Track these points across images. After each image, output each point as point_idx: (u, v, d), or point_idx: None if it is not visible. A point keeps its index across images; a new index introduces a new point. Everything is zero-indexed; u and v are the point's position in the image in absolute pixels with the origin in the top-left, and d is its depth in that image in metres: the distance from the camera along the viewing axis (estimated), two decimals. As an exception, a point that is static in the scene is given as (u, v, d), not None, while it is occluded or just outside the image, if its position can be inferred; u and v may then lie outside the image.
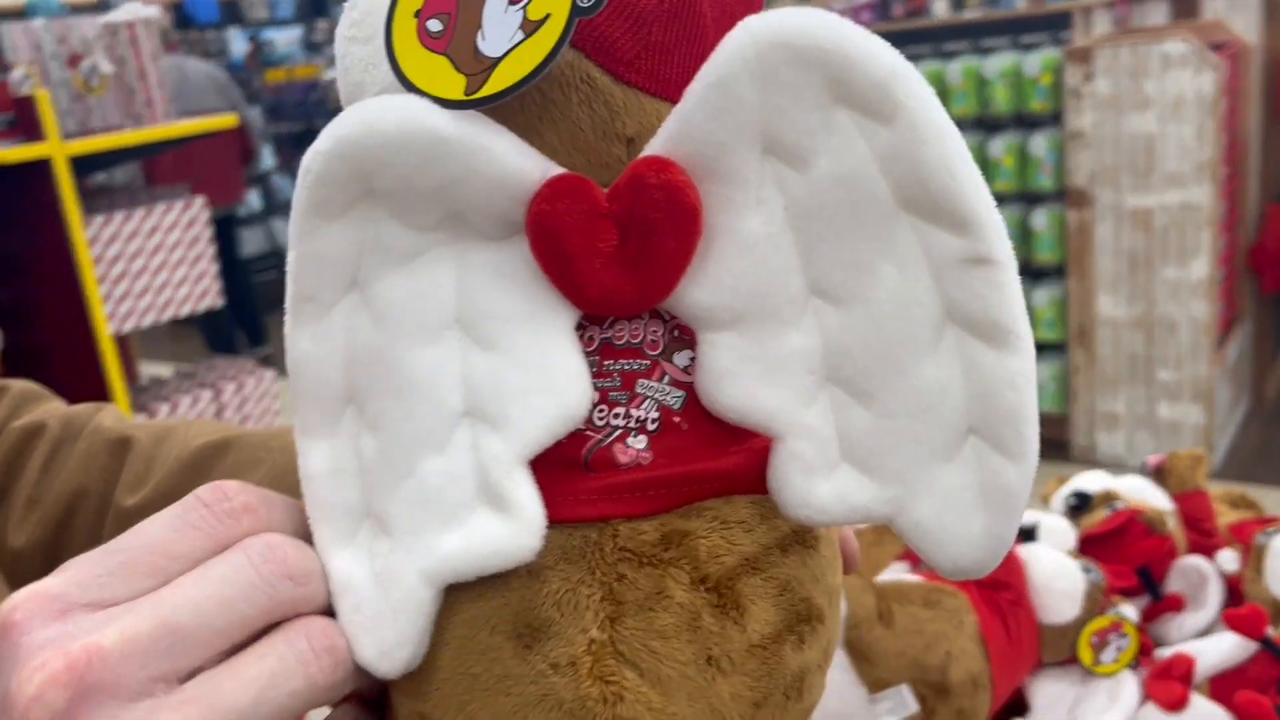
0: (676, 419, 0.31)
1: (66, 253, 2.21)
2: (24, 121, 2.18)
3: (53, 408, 0.55)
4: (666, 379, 0.31)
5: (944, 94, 3.17)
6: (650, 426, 0.31)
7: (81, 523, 0.51)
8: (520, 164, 0.29)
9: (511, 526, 0.30)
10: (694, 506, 0.31)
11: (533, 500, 0.30)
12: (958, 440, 0.29)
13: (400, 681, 0.32)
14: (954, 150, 0.27)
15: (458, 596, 0.31)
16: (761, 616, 0.31)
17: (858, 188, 0.28)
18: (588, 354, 0.31)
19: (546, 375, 0.30)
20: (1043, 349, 3.35)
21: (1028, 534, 0.98)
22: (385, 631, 0.31)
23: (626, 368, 0.31)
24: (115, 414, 0.55)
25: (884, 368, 0.29)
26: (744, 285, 0.30)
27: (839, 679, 0.90)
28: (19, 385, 0.56)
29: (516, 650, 0.30)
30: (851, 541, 0.40)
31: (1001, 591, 0.91)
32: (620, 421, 0.31)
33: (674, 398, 0.31)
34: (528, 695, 0.30)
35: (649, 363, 0.31)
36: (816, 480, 0.30)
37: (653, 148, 0.30)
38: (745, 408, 0.30)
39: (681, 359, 0.32)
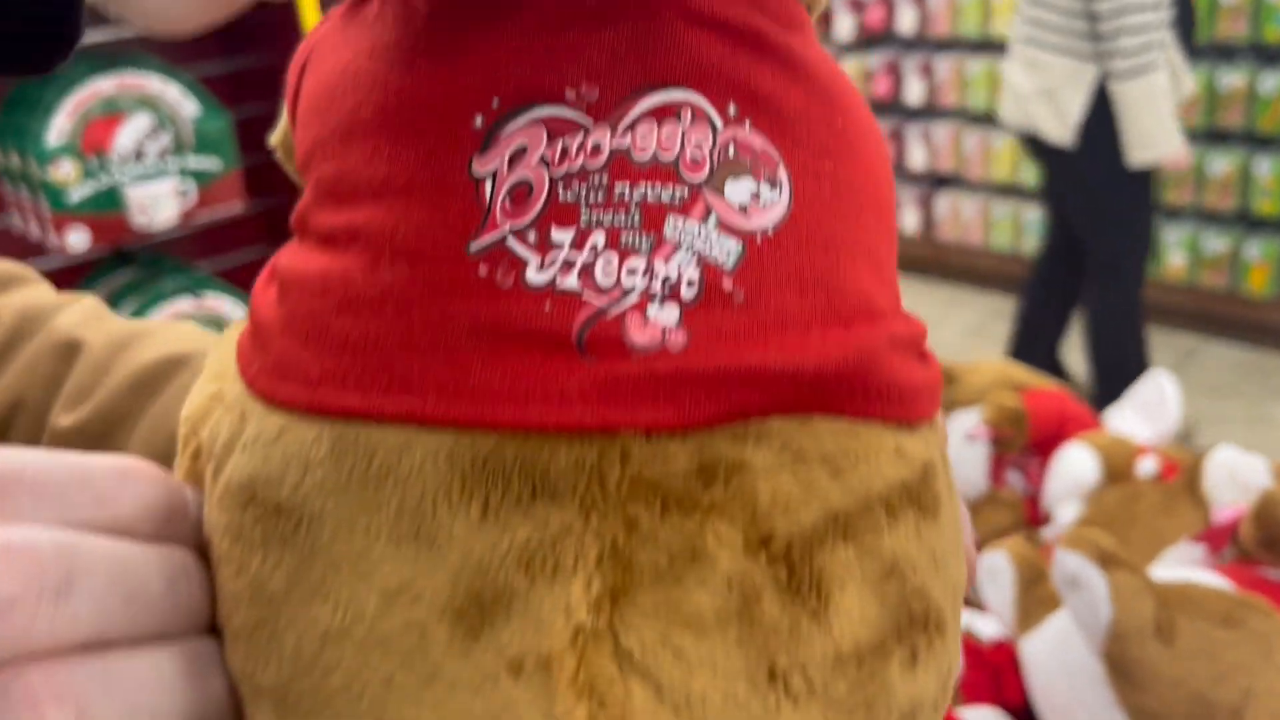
0: (728, 284, 0.22)
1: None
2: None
3: (18, 298, 0.45)
4: (714, 219, 0.22)
5: None
6: (686, 292, 0.21)
7: (16, 439, 0.41)
8: None
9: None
10: (750, 424, 0.21)
11: None
12: None
13: (257, 686, 0.21)
14: None
15: (349, 533, 0.20)
16: (856, 610, 0.21)
17: None
18: (589, 170, 0.21)
19: None
20: None
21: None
22: None
23: (650, 197, 0.22)
24: (84, 311, 0.45)
25: None
26: None
27: (1089, 696, 0.71)
28: None
29: (455, 637, 0.20)
30: (971, 550, 0.28)
31: (1339, 617, 0.68)
32: (638, 281, 0.21)
33: (725, 249, 0.22)
34: (470, 713, 0.19)
35: (687, 191, 0.22)
36: None
37: None
38: None
39: (739, 190, 0.22)
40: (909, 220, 3.69)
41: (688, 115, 0.22)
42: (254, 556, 0.21)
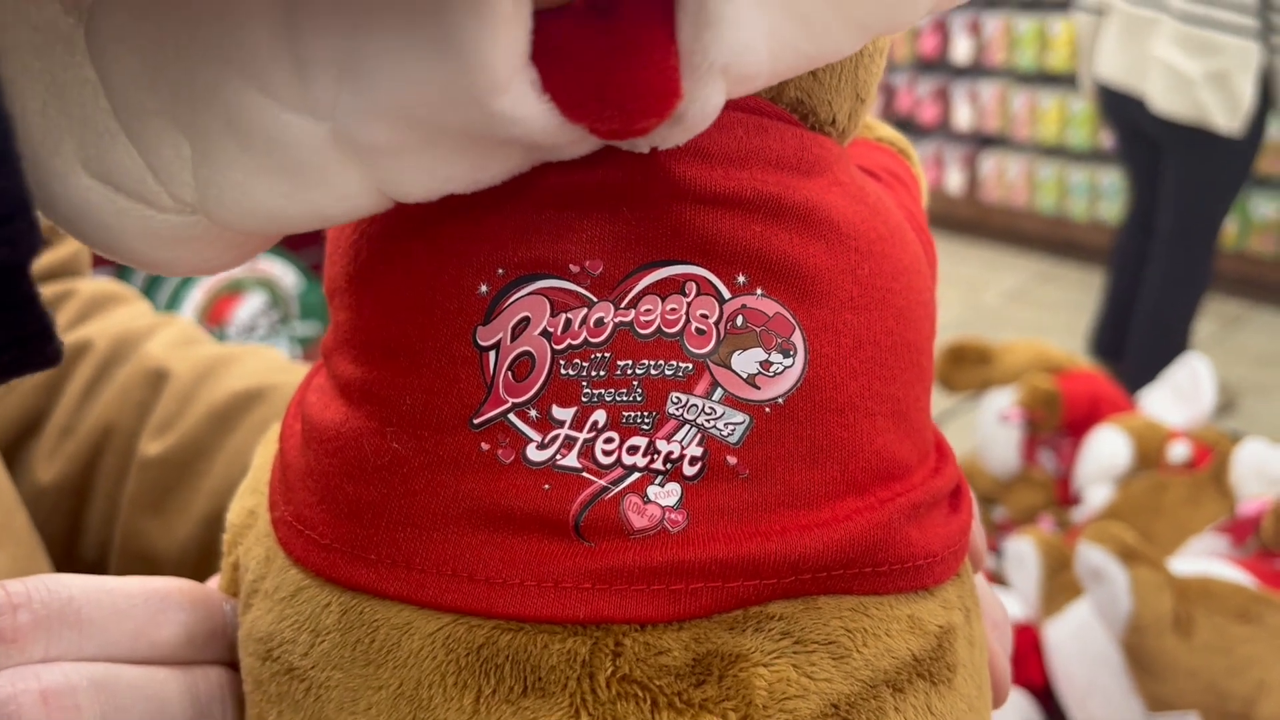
0: (731, 459, 0.21)
1: None
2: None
3: (113, 322, 0.47)
4: (719, 393, 0.21)
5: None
6: (688, 470, 0.21)
7: (108, 466, 0.43)
8: None
9: None
10: (751, 611, 0.21)
11: None
12: None
13: None
14: None
15: (352, 708, 0.21)
16: None
17: None
18: (591, 345, 0.21)
19: None
20: None
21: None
22: None
23: (654, 372, 0.21)
24: (174, 336, 0.46)
25: None
26: None
27: (1108, 683, 0.74)
28: (91, 288, 0.48)
29: None
30: (1003, 668, 0.28)
31: (1354, 614, 0.70)
32: (638, 460, 0.21)
33: (731, 424, 0.21)
34: None
35: (692, 366, 0.22)
36: None
37: None
38: None
39: (747, 361, 0.22)
40: (953, 180, 3.66)
41: (692, 289, 0.22)
42: (270, 709, 0.23)
